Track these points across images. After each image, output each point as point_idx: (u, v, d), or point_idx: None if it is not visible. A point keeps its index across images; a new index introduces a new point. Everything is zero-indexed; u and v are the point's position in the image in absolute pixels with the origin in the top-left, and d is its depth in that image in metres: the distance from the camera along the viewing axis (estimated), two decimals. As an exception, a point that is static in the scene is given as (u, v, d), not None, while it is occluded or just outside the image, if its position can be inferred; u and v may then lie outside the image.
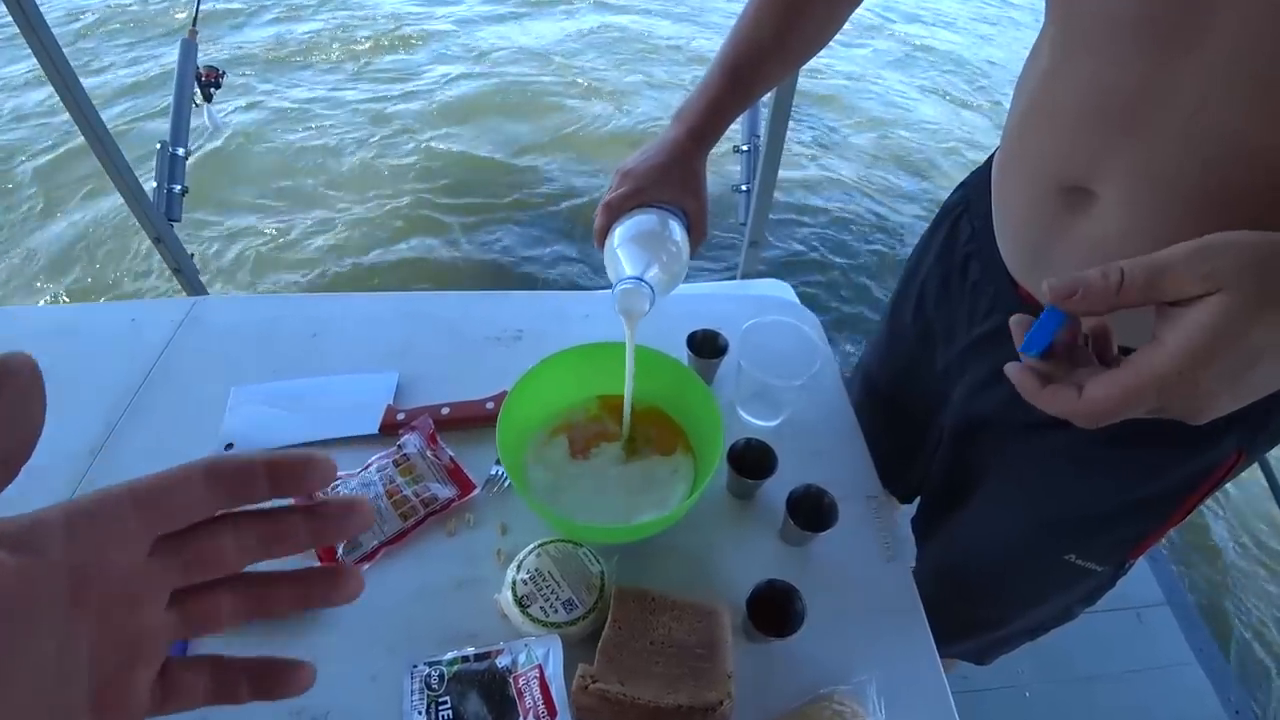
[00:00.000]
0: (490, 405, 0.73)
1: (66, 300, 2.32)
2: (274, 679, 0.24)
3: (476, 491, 0.67)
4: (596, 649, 0.53)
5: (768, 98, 1.26)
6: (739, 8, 0.64)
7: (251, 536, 0.22)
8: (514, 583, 0.58)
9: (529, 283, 2.50)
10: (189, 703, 0.23)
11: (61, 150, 2.88)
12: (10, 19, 1.14)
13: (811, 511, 0.63)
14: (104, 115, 1.31)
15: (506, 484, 0.68)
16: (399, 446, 0.69)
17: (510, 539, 0.65)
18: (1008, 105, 0.56)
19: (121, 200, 1.39)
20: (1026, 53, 0.54)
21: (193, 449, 0.71)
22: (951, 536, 0.77)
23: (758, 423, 0.75)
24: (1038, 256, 0.53)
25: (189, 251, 1.55)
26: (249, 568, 0.23)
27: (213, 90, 1.63)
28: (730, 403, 0.76)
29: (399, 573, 0.62)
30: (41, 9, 1.16)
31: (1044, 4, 0.49)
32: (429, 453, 0.69)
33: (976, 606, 0.78)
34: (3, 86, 3.31)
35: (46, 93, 3.01)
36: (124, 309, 0.88)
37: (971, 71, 4.13)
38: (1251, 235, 0.32)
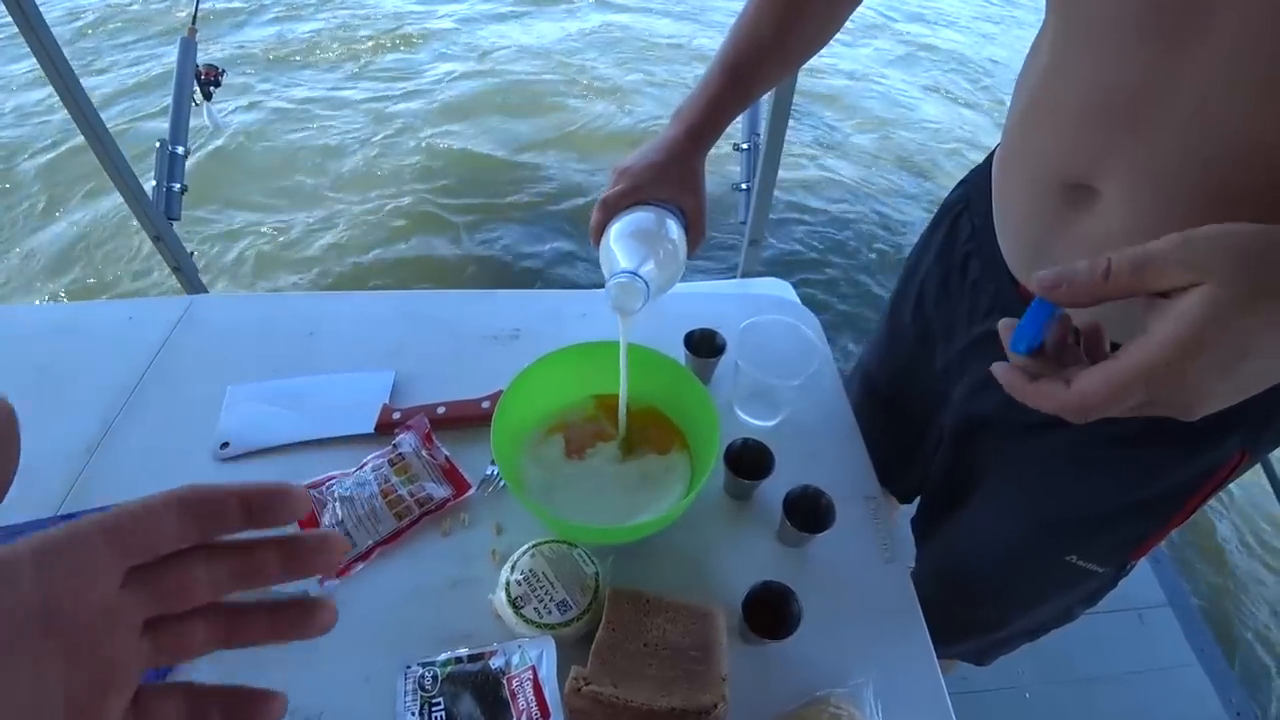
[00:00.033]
0: (486, 405, 0.72)
1: (66, 299, 2.32)
2: (246, 709, 0.24)
3: (471, 491, 0.67)
4: (590, 651, 0.53)
5: (768, 96, 1.26)
6: (740, 6, 0.64)
7: (223, 569, 0.23)
8: (508, 583, 0.57)
9: (530, 281, 2.50)
10: None
11: (62, 149, 2.88)
12: (10, 19, 1.14)
13: (809, 512, 0.63)
14: (104, 114, 1.32)
15: (501, 484, 0.68)
16: (394, 446, 0.69)
17: (505, 539, 0.64)
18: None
19: (121, 199, 1.39)
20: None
21: (189, 447, 0.70)
22: (951, 537, 0.77)
23: (755, 423, 0.75)
24: (1039, 254, 0.53)
25: (189, 250, 1.55)
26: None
27: (212, 89, 1.63)
28: (728, 402, 0.76)
29: (393, 573, 0.62)
30: (41, 9, 1.16)
31: (1044, 1, 0.49)
32: (424, 452, 0.69)
33: (976, 607, 0.78)
34: (3, 86, 3.31)
35: (46, 92, 2.99)
36: (121, 307, 0.88)
37: (974, 71, 4.11)
38: (1240, 226, 0.31)
